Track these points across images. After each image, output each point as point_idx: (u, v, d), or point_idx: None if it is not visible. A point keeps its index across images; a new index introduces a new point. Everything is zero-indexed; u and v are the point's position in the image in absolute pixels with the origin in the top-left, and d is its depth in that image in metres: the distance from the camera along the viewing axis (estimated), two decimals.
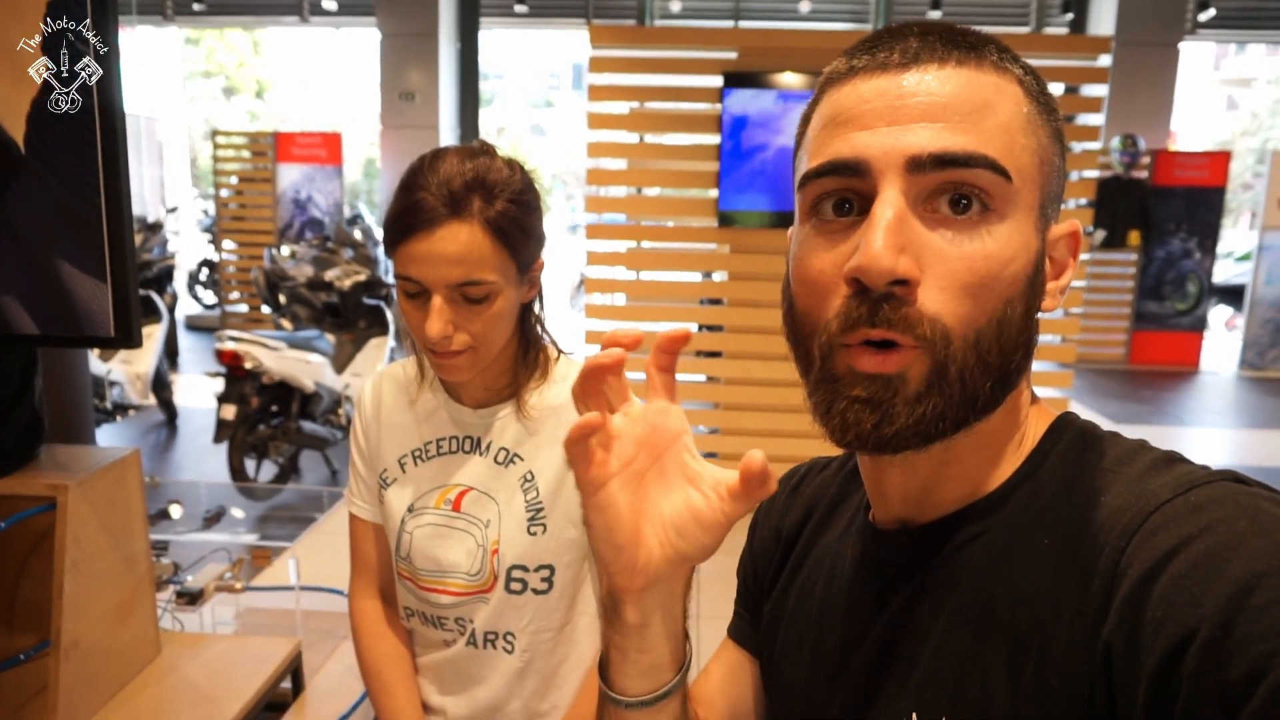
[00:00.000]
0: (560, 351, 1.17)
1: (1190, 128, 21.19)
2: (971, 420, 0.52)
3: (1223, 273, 9.97)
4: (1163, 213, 7.94)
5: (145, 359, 4.89)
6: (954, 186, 0.50)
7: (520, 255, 1.02)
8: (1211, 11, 8.41)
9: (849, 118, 0.53)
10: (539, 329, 1.14)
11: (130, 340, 1.17)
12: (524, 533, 1.09)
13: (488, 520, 1.10)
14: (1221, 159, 8.14)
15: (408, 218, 0.98)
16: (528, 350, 1.12)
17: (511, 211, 0.99)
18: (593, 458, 0.49)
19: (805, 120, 0.58)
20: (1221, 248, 8.53)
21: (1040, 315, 0.55)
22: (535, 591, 1.10)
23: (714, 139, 3.96)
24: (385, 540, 1.19)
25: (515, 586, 1.10)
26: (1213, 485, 0.47)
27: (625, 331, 0.51)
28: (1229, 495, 0.46)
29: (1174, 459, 0.52)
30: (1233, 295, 9.58)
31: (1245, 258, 8.63)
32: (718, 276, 4.31)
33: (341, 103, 22.50)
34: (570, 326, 8.01)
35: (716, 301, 4.31)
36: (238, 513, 3.88)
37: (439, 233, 0.96)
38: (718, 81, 3.92)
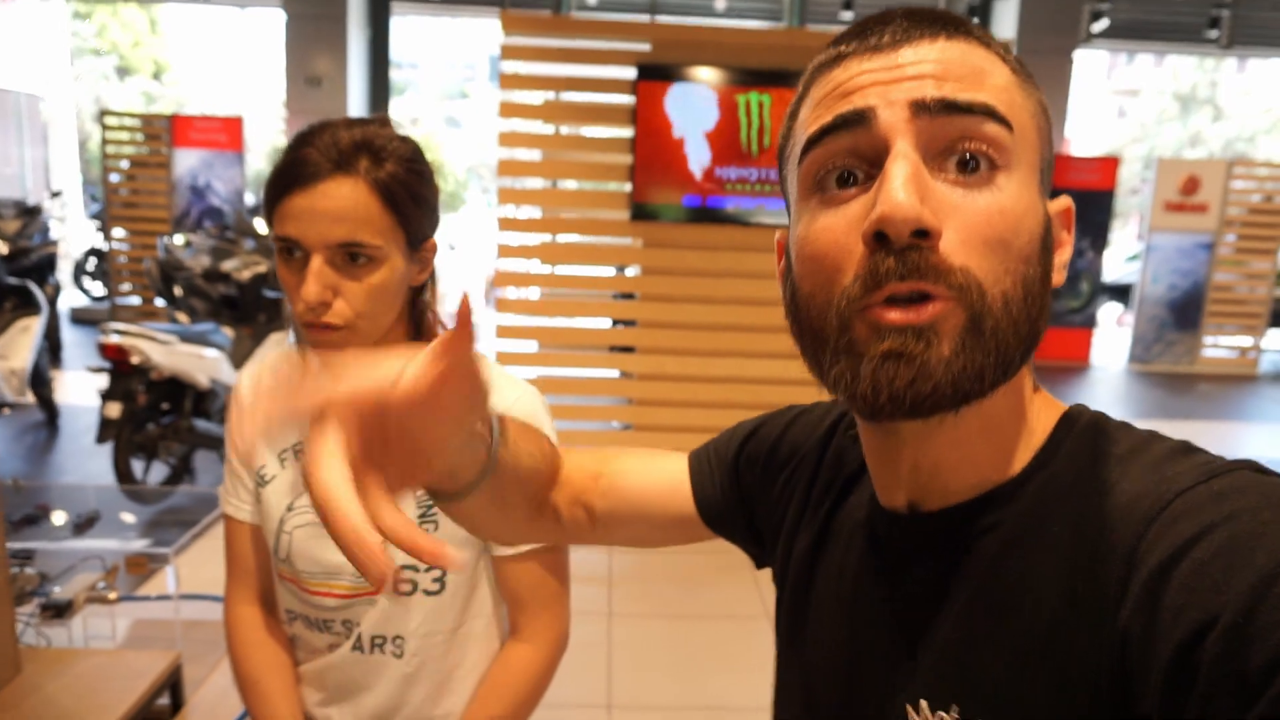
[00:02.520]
0: None
1: (1083, 134, 22.24)
2: (1000, 383, 0.51)
3: (1112, 272, 10.49)
4: None
5: (21, 353, 4.58)
6: (961, 143, 0.49)
7: (409, 224, 0.96)
8: (1105, 22, 8.82)
9: (845, 89, 0.52)
10: (430, 317, 1.08)
11: None
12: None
13: None
14: (1111, 164, 8.55)
15: (289, 173, 0.91)
16: (418, 338, 1.06)
17: (400, 174, 0.94)
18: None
19: (793, 114, 0.57)
20: (1110, 248, 8.96)
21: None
22: (426, 593, 1.05)
23: (628, 132, 3.93)
24: (263, 543, 1.11)
25: (404, 588, 1.04)
26: (1235, 474, 0.47)
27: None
28: (1252, 484, 0.46)
29: (1190, 448, 0.51)
30: (1121, 293, 10.09)
31: (1133, 258, 9.09)
32: (631, 271, 4.29)
33: (244, 87, 21.62)
34: (483, 321, 7.88)
35: (629, 296, 4.29)
36: (128, 517, 3.67)
37: (321, 187, 0.90)
38: (632, 73, 3.89)
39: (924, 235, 0.47)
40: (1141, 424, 0.56)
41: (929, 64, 0.50)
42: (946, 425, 0.53)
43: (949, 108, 0.49)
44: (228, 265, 4.65)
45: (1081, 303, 8.58)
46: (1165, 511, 0.46)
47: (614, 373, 4.39)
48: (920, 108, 0.49)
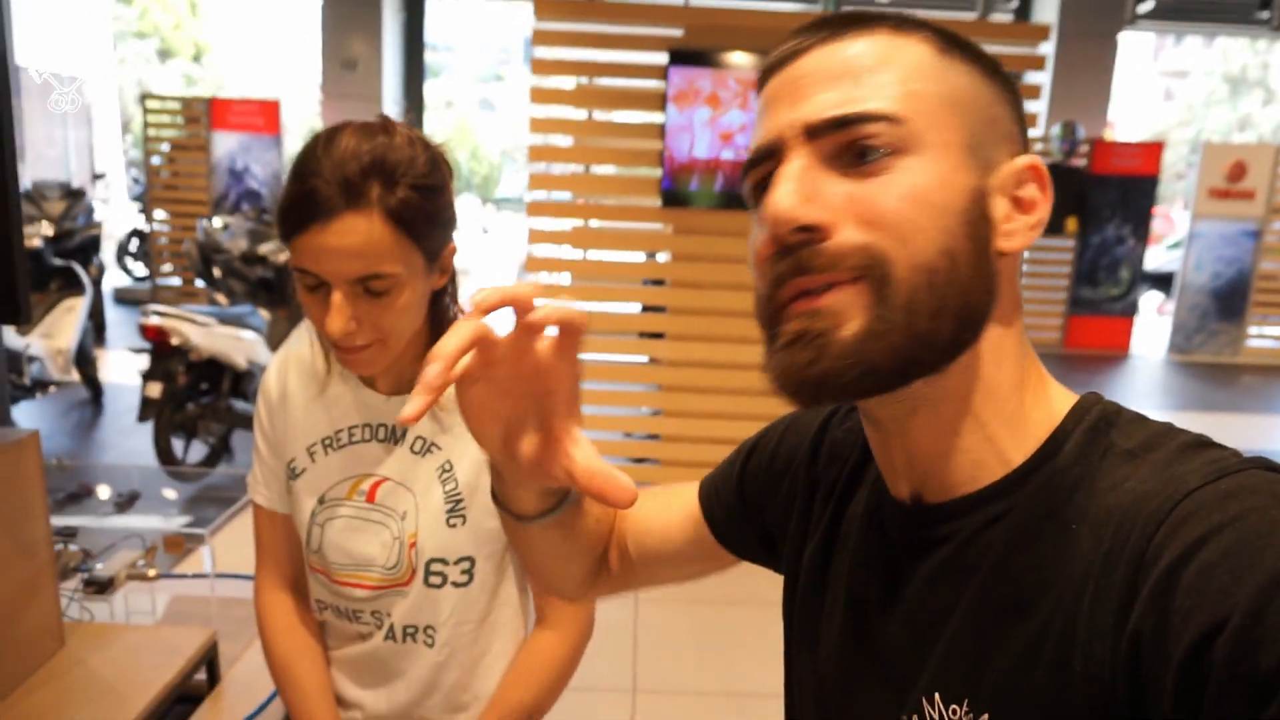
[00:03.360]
0: None
1: (1128, 117, 21.73)
2: (925, 362, 0.52)
3: (1153, 260, 10.28)
4: (1099, 200, 8.14)
5: (66, 333, 4.70)
6: (852, 142, 0.52)
7: (426, 244, 0.96)
8: (1151, 3, 8.60)
9: (762, 112, 0.57)
10: (452, 316, 1.09)
11: (16, 316, 1.10)
12: (443, 525, 1.06)
13: (404, 512, 1.06)
14: (1155, 149, 8.36)
15: (301, 208, 0.90)
16: (440, 337, 1.08)
17: (414, 200, 0.93)
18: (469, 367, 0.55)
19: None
20: (1153, 234, 8.78)
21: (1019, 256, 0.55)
22: (455, 584, 1.07)
23: (659, 117, 3.92)
24: (293, 531, 1.14)
25: (434, 580, 1.06)
26: (1245, 473, 0.47)
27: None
28: (1262, 483, 0.46)
29: (1203, 443, 0.51)
30: (1163, 282, 9.88)
31: (1176, 245, 8.90)
32: (661, 257, 4.29)
33: (281, 70, 21.83)
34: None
35: (659, 282, 4.29)
36: (169, 494, 3.76)
37: (335, 225, 0.89)
38: (663, 59, 3.87)
39: (808, 229, 0.51)
40: (1182, 417, 0.56)
41: (821, 74, 0.54)
42: (920, 414, 0.55)
43: (834, 125, 0.52)
44: (264, 248, 4.73)
45: (1122, 290, 8.43)
46: (1174, 512, 0.46)
47: (643, 359, 4.40)
48: (811, 131, 0.53)
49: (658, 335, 4.23)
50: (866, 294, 0.50)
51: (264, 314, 4.42)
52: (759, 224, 0.55)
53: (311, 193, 0.90)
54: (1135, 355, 8.54)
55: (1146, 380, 7.74)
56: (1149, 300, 10.28)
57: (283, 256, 4.67)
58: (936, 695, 0.54)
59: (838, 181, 0.52)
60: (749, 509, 0.77)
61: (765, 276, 0.54)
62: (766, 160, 0.55)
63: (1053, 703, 0.48)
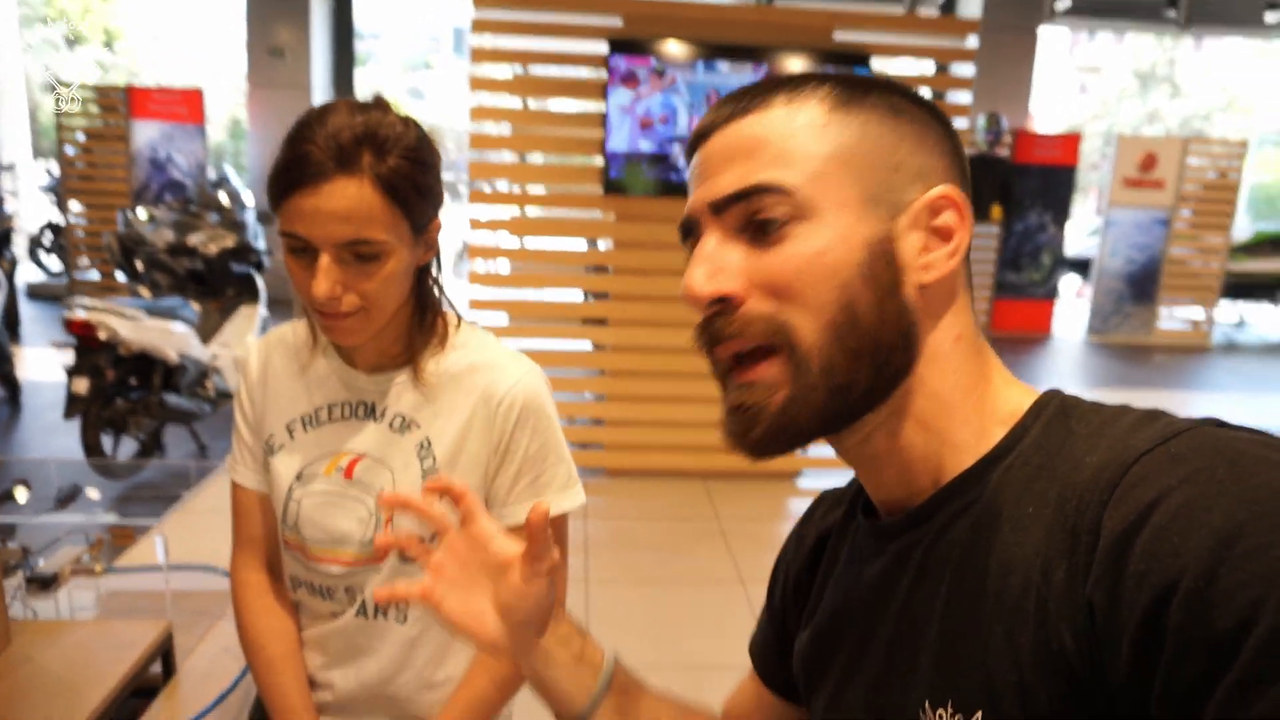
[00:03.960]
0: (460, 318, 1.14)
1: (1047, 110, 22.50)
2: (857, 409, 0.57)
3: (1072, 246, 10.69)
4: (1021, 189, 8.43)
5: None
6: (751, 214, 0.56)
7: (414, 214, 0.98)
8: (1068, 0, 8.92)
9: (689, 185, 0.63)
10: (436, 293, 1.10)
11: None
12: None
13: (381, 488, 1.07)
14: (1073, 140, 8.69)
15: (293, 171, 0.92)
16: (424, 315, 1.08)
17: (404, 168, 0.95)
18: (423, 588, 0.68)
19: None
20: (1071, 222, 9.13)
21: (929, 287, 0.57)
22: None
23: (599, 106, 3.93)
24: (271, 510, 1.13)
25: (409, 556, 1.07)
26: (1192, 433, 0.47)
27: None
28: (1209, 442, 0.46)
29: (1155, 414, 0.52)
30: (1081, 267, 10.29)
31: (1094, 232, 9.28)
32: (603, 245, 4.31)
33: (201, 57, 21.06)
34: (454, 293, 7.83)
35: (602, 269, 4.31)
36: (93, 493, 3.63)
37: (326, 188, 0.91)
38: (603, 48, 3.88)
39: (723, 301, 0.56)
40: (1100, 395, 0.58)
41: (717, 157, 0.58)
42: (875, 439, 0.59)
43: (731, 200, 0.57)
44: (193, 239, 4.59)
45: (1043, 275, 8.75)
46: (1125, 478, 0.47)
47: (586, 345, 4.42)
48: (715, 208, 0.58)
49: (600, 322, 4.25)
50: (785, 366, 0.55)
51: (195, 306, 4.29)
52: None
53: (304, 157, 0.91)
54: (1056, 337, 8.89)
55: (1067, 361, 8.07)
56: (1068, 284, 10.70)
57: (213, 248, 4.54)
58: (926, 703, 0.54)
59: (744, 253, 0.57)
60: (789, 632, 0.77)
61: (699, 339, 0.60)
62: (688, 236, 0.61)
63: (1032, 686, 0.48)
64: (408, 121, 0.99)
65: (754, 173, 0.56)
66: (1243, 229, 9.78)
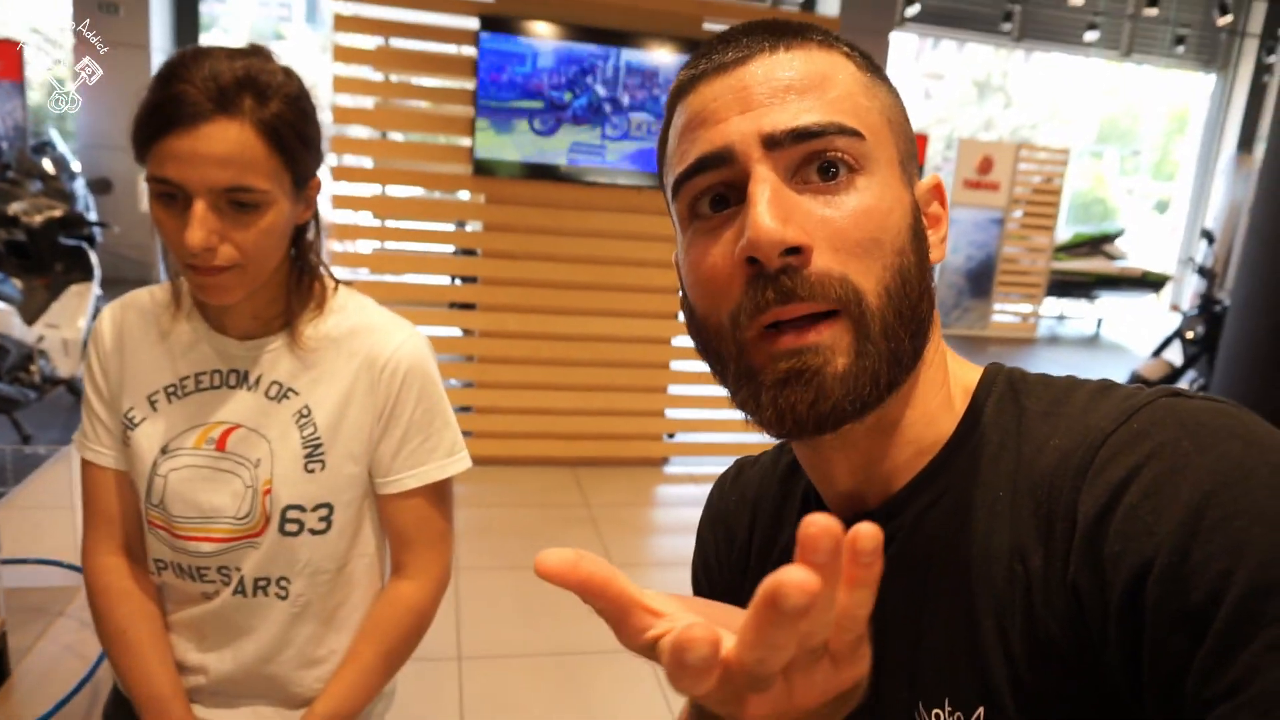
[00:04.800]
0: (337, 282, 1.10)
1: None
2: (900, 380, 0.52)
3: None
4: None
5: None
6: (817, 156, 0.51)
7: (296, 165, 0.94)
8: (917, 7, 9.43)
9: (702, 118, 0.53)
10: (314, 256, 1.06)
11: None
12: (300, 470, 1.02)
13: (258, 459, 1.01)
14: (921, 141, 9.20)
15: (166, 110, 0.86)
16: (301, 276, 1.04)
17: (288, 115, 0.91)
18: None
19: (663, 139, 0.59)
20: None
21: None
22: (312, 532, 1.04)
23: (469, 84, 3.84)
24: (129, 488, 1.06)
25: (290, 528, 1.03)
26: (1152, 406, 0.48)
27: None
28: (1170, 415, 0.47)
29: (1108, 386, 0.53)
30: None
31: None
32: (471, 226, 4.22)
33: (17, 7, 19.10)
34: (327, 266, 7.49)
35: (470, 252, 4.23)
36: None
37: (204, 129, 0.86)
38: (474, 24, 3.80)
39: (795, 252, 0.49)
40: None
41: (773, 81, 0.52)
42: (869, 420, 0.53)
43: (798, 136, 0.51)
44: (14, 208, 4.17)
45: None
46: (1095, 460, 0.47)
47: (455, 330, 4.33)
48: (771, 141, 0.51)
49: (469, 306, 4.17)
50: (847, 329, 0.50)
51: (17, 283, 3.91)
52: (710, 238, 0.53)
53: (179, 96, 0.85)
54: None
55: None
56: None
57: (38, 218, 4.14)
58: (920, 705, 0.53)
59: (807, 200, 0.51)
60: None
61: (727, 303, 0.52)
62: (712, 169, 0.53)
63: (1031, 677, 0.48)
64: (288, 71, 0.95)
65: (826, 110, 0.51)
66: (1064, 231, 10.67)
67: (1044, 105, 23.77)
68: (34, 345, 3.88)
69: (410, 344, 1.07)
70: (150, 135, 0.88)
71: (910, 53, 26.05)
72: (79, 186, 4.79)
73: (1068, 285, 10.22)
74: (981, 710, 0.50)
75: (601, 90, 3.91)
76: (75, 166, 5.27)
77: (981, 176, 9.07)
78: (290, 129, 0.92)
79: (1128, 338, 10.11)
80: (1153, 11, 9.30)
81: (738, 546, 0.70)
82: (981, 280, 9.37)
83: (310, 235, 1.05)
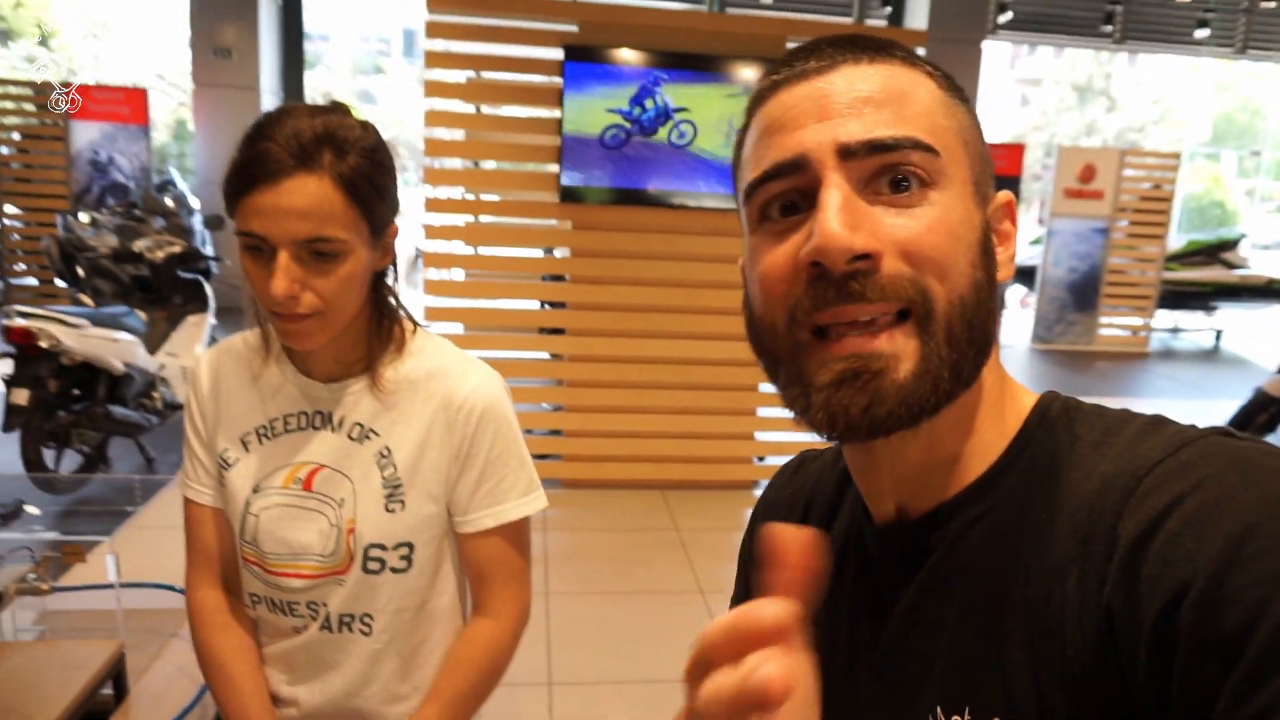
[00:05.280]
0: (416, 325, 1.13)
1: (991, 122, 23.06)
2: (958, 392, 0.53)
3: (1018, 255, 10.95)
4: None
5: None
6: (890, 169, 0.52)
7: (373, 216, 0.98)
8: (1009, 14, 9.16)
9: (780, 125, 0.54)
10: (393, 300, 1.10)
11: None
12: (381, 510, 1.06)
13: (341, 499, 1.05)
14: (1017, 151, 8.92)
15: (252, 168, 0.91)
16: (381, 321, 1.08)
17: (364, 168, 0.95)
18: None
19: (739, 144, 0.60)
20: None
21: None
22: (394, 570, 1.07)
23: (555, 113, 3.93)
24: (226, 525, 1.11)
25: (373, 566, 1.06)
26: (1202, 442, 0.48)
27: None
28: (1219, 450, 0.47)
29: (1161, 421, 0.53)
30: (1025, 276, 10.55)
31: (1036, 242, 9.52)
32: (559, 253, 4.30)
33: (142, 56, 20.52)
34: (410, 302, 7.74)
35: (559, 278, 4.30)
36: (32, 509, 3.51)
37: (286, 184, 0.91)
38: (558, 54, 3.88)
39: (864, 258, 0.50)
40: None
41: (853, 93, 0.52)
42: (922, 431, 0.53)
43: (874, 149, 0.51)
44: (139, 245, 4.46)
45: None
46: (1139, 487, 0.47)
47: (544, 354, 4.40)
48: (846, 152, 0.51)
49: (558, 331, 4.23)
50: (915, 333, 0.50)
51: (141, 315, 4.18)
52: (777, 240, 0.54)
53: (264, 154, 0.91)
54: (1004, 345, 9.07)
55: (1014, 368, 8.24)
56: (1013, 293, 10.96)
57: (160, 254, 4.42)
58: (939, 709, 0.54)
59: (878, 211, 0.51)
60: None
61: (784, 301, 0.53)
62: (786, 176, 0.53)
63: (1050, 693, 0.48)
64: (366, 125, 0.99)
65: (904, 125, 0.52)
66: (1176, 239, 10.13)
67: (1151, 107, 22.71)
68: (156, 373, 4.14)
69: (485, 386, 1.10)
70: (238, 191, 0.93)
71: (1005, 60, 25.37)
72: (196, 222, 5.09)
73: (1182, 296, 9.70)
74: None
75: (686, 114, 3.93)
76: (193, 203, 5.60)
77: (1083, 184, 8.71)
78: (366, 181, 0.96)
79: (1251, 351, 9.51)
80: (1270, 4, 8.78)
81: None
82: (1086, 293, 8.98)
83: (389, 280, 1.09)
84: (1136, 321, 9.16)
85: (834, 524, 0.67)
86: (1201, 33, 9.27)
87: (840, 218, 0.50)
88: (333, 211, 0.93)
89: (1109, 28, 9.76)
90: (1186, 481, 0.46)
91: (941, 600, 0.55)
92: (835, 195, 0.50)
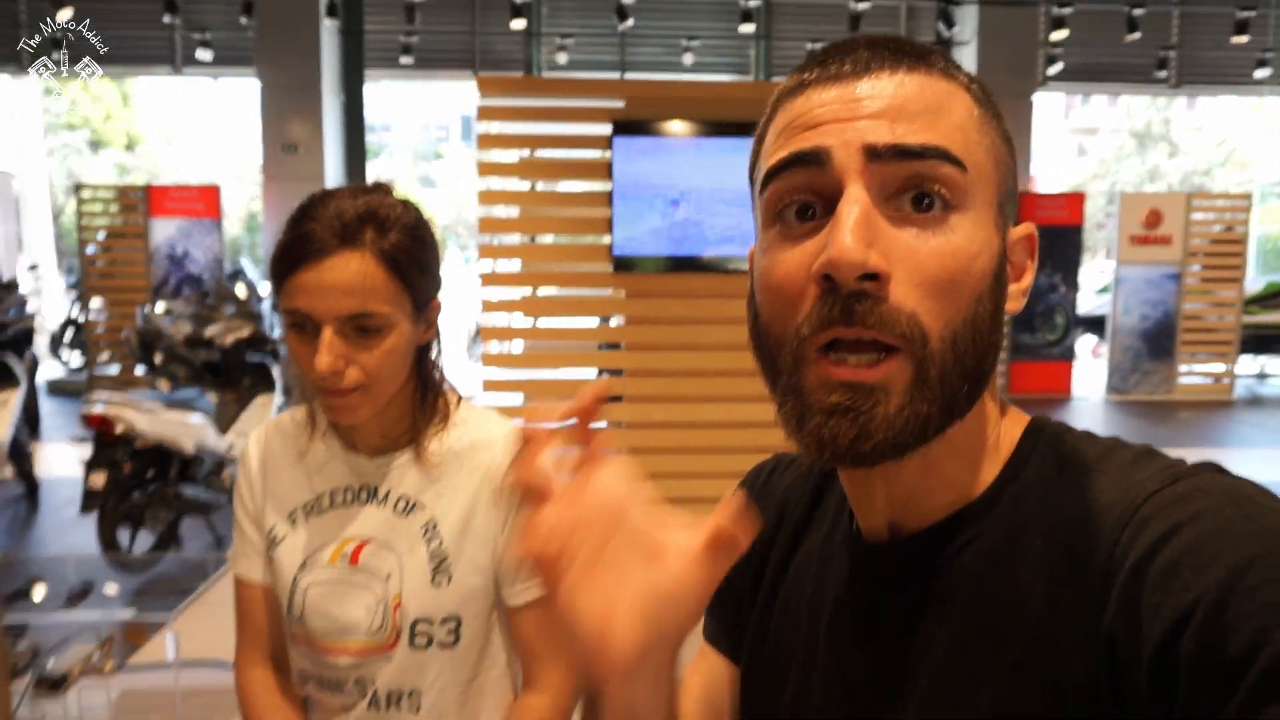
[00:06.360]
0: (459, 396, 1.13)
1: (1047, 173, 22.81)
2: (949, 425, 0.52)
3: (1084, 304, 10.68)
4: None
5: (0, 427, 4.52)
6: (915, 183, 0.50)
7: (415, 290, 0.99)
8: (1059, 66, 9.13)
9: (805, 122, 0.53)
10: (437, 374, 1.10)
11: None
12: (427, 584, 1.04)
13: (388, 573, 1.04)
14: (1077, 200, 8.78)
15: (296, 248, 0.94)
16: (425, 394, 1.08)
17: (405, 244, 0.97)
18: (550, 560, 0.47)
19: (760, 138, 0.59)
20: (1082, 280, 9.12)
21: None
22: (441, 645, 1.05)
23: (605, 185, 4.00)
24: (275, 604, 1.11)
25: (420, 641, 1.04)
26: (1198, 476, 0.49)
27: (541, 410, 0.49)
28: (1214, 485, 0.48)
29: (1151, 452, 0.53)
30: (1095, 325, 10.26)
31: (1104, 290, 9.27)
32: (614, 321, 4.32)
33: (218, 154, 21.76)
34: (468, 376, 7.86)
35: (614, 346, 4.32)
36: (110, 589, 3.60)
37: (328, 262, 0.93)
38: (606, 129, 3.97)
39: (873, 278, 0.49)
40: None
41: (885, 100, 0.51)
42: (914, 457, 0.52)
43: (901, 154, 0.50)
44: (210, 331, 4.64)
45: (1058, 336, 8.72)
46: (1135, 515, 0.47)
47: (602, 423, 4.39)
48: (873, 153, 0.50)
49: (616, 399, 4.23)
50: (909, 370, 0.49)
51: (211, 397, 4.32)
52: (791, 245, 0.53)
53: (307, 234, 0.93)
54: (1077, 397, 8.80)
55: (1090, 421, 7.96)
56: (1084, 343, 10.66)
57: (229, 339, 4.59)
58: None
59: (896, 228, 0.50)
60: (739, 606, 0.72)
61: (793, 314, 0.52)
62: (806, 166, 0.51)
63: (1037, 716, 0.48)
64: (407, 203, 1.01)
65: (935, 135, 0.50)
66: (1254, 281, 9.76)
67: (1215, 150, 22.21)
68: (225, 453, 4.24)
69: (510, 441, 1.09)
70: (284, 271, 0.95)
71: (1059, 110, 25.19)
72: (265, 308, 5.28)
73: (1266, 340, 9.30)
74: None
75: (728, 179, 3.96)
76: (263, 290, 5.83)
77: (1149, 230, 8.49)
78: (408, 256, 0.97)
79: None
80: None
81: (758, 543, 0.68)
82: (1162, 341, 8.68)
83: (433, 354, 1.09)
84: (1219, 368, 8.79)
85: (806, 538, 0.67)
86: (1262, 72, 9.09)
87: (856, 232, 0.48)
88: (375, 286, 0.94)
89: (1163, 73, 9.63)
90: (1183, 512, 0.46)
91: (931, 620, 0.55)
92: (854, 208, 0.49)
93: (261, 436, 1.13)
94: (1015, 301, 0.56)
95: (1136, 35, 8.62)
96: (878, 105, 0.51)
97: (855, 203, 0.49)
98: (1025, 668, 0.49)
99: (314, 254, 0.93)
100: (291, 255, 0.94)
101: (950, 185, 0.51)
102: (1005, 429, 0.58)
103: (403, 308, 0.98)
